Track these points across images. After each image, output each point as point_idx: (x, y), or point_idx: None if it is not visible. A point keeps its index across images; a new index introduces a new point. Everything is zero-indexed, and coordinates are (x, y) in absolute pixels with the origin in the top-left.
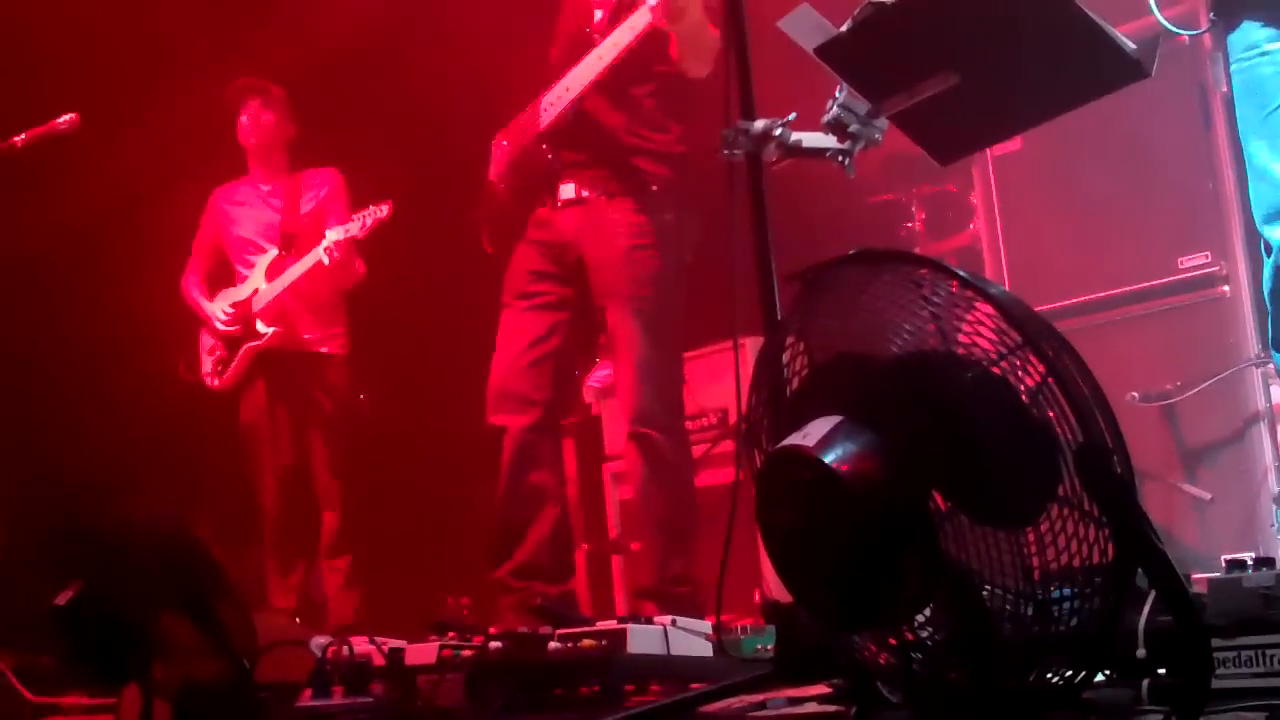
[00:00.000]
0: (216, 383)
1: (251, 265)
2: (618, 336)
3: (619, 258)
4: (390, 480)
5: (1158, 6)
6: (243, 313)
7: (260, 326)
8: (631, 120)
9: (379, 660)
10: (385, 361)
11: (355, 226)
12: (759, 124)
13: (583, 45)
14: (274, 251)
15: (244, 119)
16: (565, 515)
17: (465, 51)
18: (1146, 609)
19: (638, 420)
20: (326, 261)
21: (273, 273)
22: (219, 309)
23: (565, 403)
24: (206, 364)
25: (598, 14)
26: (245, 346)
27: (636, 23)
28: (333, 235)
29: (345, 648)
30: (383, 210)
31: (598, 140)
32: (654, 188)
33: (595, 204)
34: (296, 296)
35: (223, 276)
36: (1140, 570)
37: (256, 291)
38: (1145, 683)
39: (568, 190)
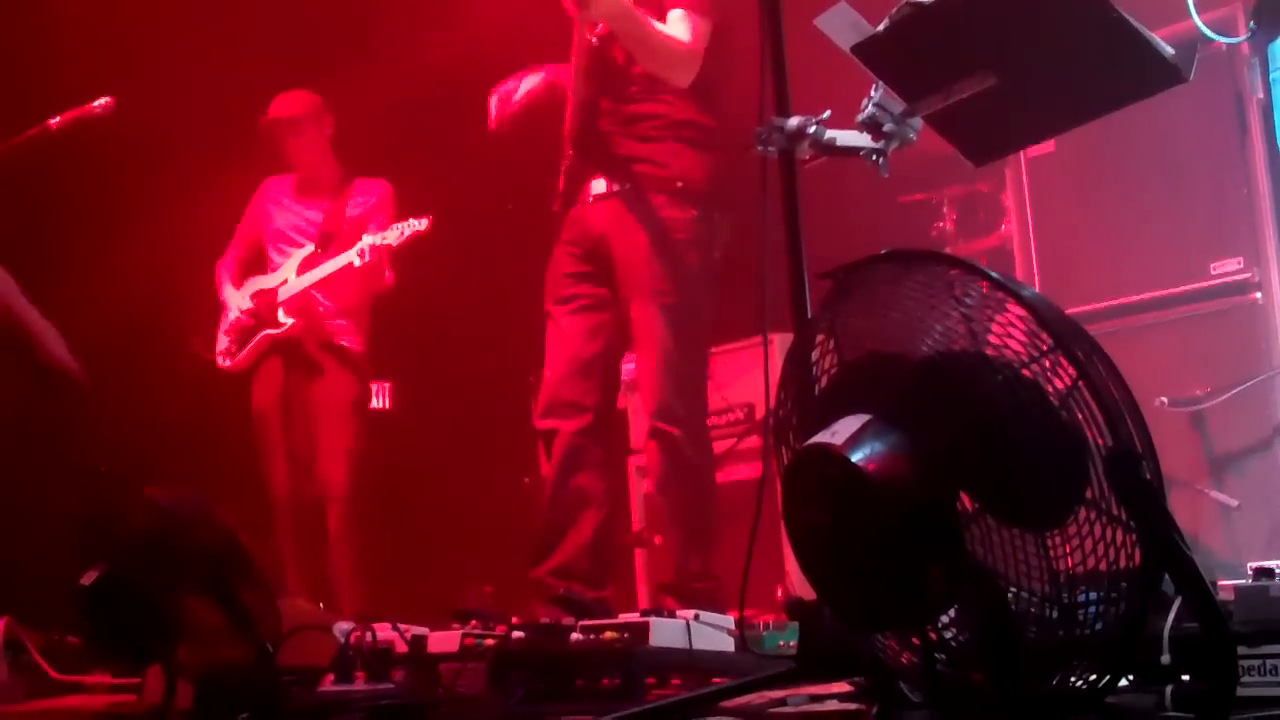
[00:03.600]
0: (228, 363)
1: (286, 256)
2: (641, 331)
3: (645, 253)
4: (407, 471)
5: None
6: (267, 301)
7: (281, 316)
8: (654, 117)
9: (402, 647)
10: (405, 355)
11: (393, 235)
12: (793, 121)
13: (604, 57)
14: (310, 248)
15: (285, 151)
16: (609, 521)
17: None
18: (1172, 615)
19: (658, 416)
20: (358, 263)
21: (304, 267)
22: (242, 296)
23: (612, 407)
24: (221, 343)
25: None
26: (263, 333)
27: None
28: (369, 240)
29: (369, 634)
30: (422, 224)
31: (620, 139)
32: (680, 184)
33: (625, 199)
34: (322, 294)
35: (258, 265)
36: (1166, 576)
37: (285, 282)
38: (1169, 689)
39: (598, 186)
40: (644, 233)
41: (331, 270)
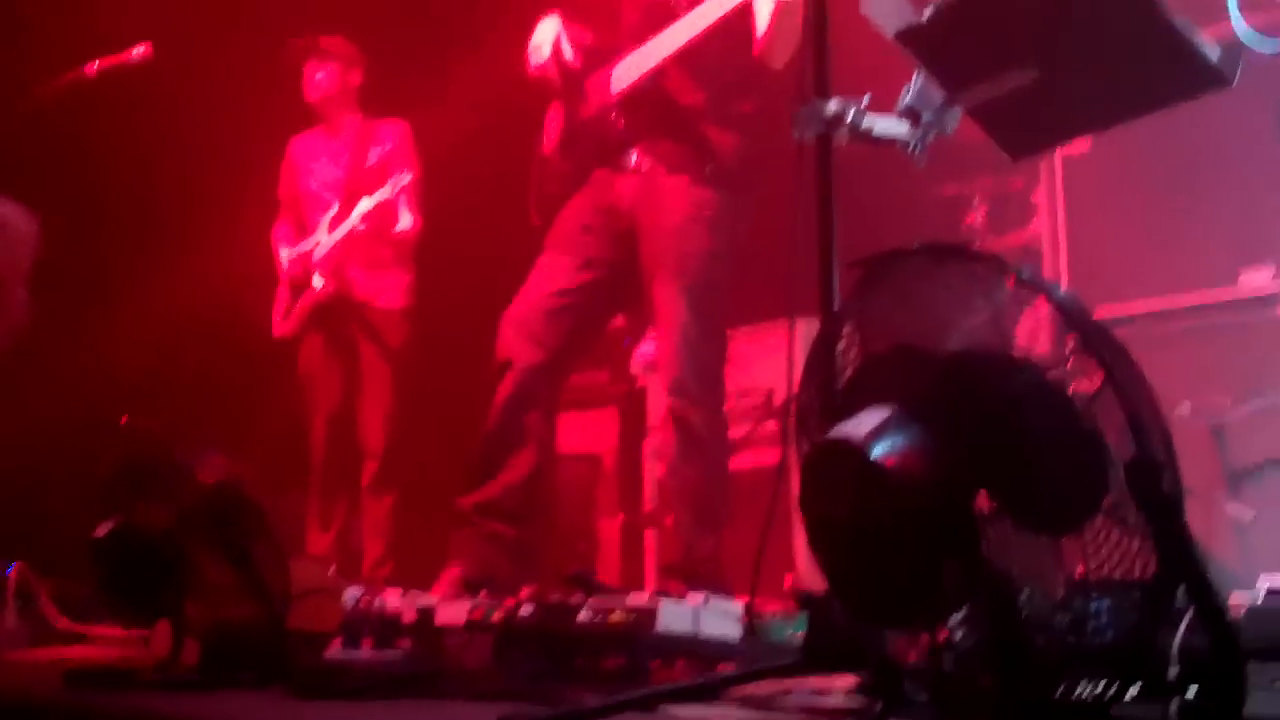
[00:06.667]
0: (279, 330)
1: (321, 216)
2: (662, 308)
3: (671, 230)
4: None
5: (1243, 12)
6: (303, 264)
7: (315, 280)
8: (703, 96)
9: (410, 616)
10: (450, 315)
11: (385, 192)
12: (832, 105)
13: (664, 14)
14: (336, 206)
15: (306, 78)
16: (544, 464)
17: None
18: (1182, 628)
19: (675, 391)
20: (362, 227)
21: (331, 226)
22: (287, 262)
23: (573, 358)
24: (278, 311)
25: None
26: (303, 296)
27: None
28: (363, 205)
29: (377, 600)
30: (405, 178)
31: (667, 113)
32: (709, 168)
33: (654, 174)
34: (352, 251)
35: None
36: (1180, 589)
37: (318, 244)
38: (1175, 702)
39: (631, 158)
40: (671, 212)
41: (344, 232)
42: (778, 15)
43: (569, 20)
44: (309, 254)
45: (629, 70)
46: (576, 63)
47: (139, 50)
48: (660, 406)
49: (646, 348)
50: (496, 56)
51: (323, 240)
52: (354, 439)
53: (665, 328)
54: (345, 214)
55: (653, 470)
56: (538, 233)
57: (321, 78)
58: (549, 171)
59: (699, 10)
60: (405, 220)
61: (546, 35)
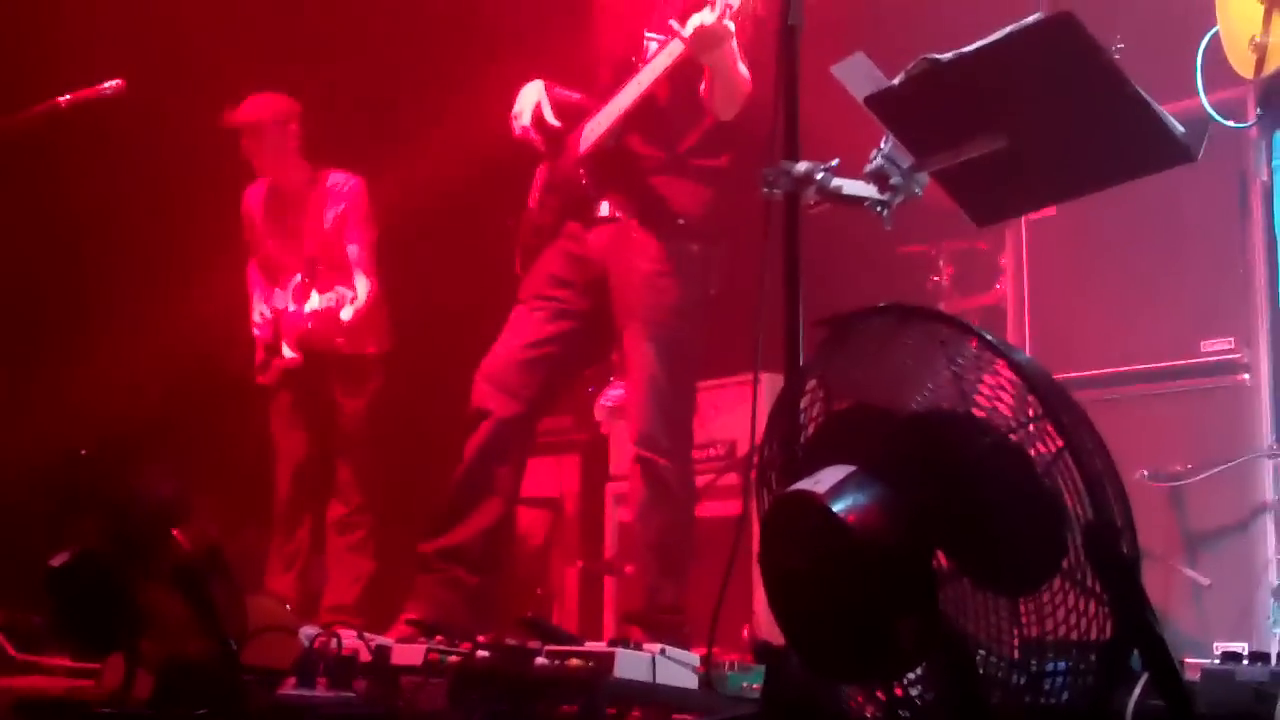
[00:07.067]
0: (258, 379)
1: (286, 279)
2: (632, 358)
3: (641, 281)
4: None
5: (1207, 90)
6: (274, 328)
7: (286, 351)
8: (663, 152)
9: (365, 656)
10: (424, 360)
11: (347, 312)
12: (801, 166)
13: (628, 73)
14: (298, 278)
15: (243, 147)
16: (509, 515)
17: (493, 55)
18: (1137, 691)
19: (643, 443)
20: (346, 316)
21: (298, 296)
22: (258, 313)
23: (546, 409)
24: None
25: (652, 45)
26: (274, 361)
27: (671, 51)
28: (340, 290)
29: (333, 640)
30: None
31: (629, 168)
32: (681, 221)
33: (625, 226)
34: (323, 321)
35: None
36: (1136, 652)
37: (286, 309)
38: None
39: (603, 209)
40: (642, 263)
41: (317, 309)
42: (711, 69)
43: (552, 80)
44: (278, 316)
45: (594, 128)
46: (560, 124)
47: (112, 84)
48: (625, 454)
49: (610, 394)
50: (473, 109)
51: (290, 309)
52: (319, 481)
53: (635, 378)
54: (307, 286)
55: (614, 517)
56: (510, 280)
57: (261, 149)
58: (528, 224)
59: (648, 67)
60: (361, 289)
61: (528, 101)
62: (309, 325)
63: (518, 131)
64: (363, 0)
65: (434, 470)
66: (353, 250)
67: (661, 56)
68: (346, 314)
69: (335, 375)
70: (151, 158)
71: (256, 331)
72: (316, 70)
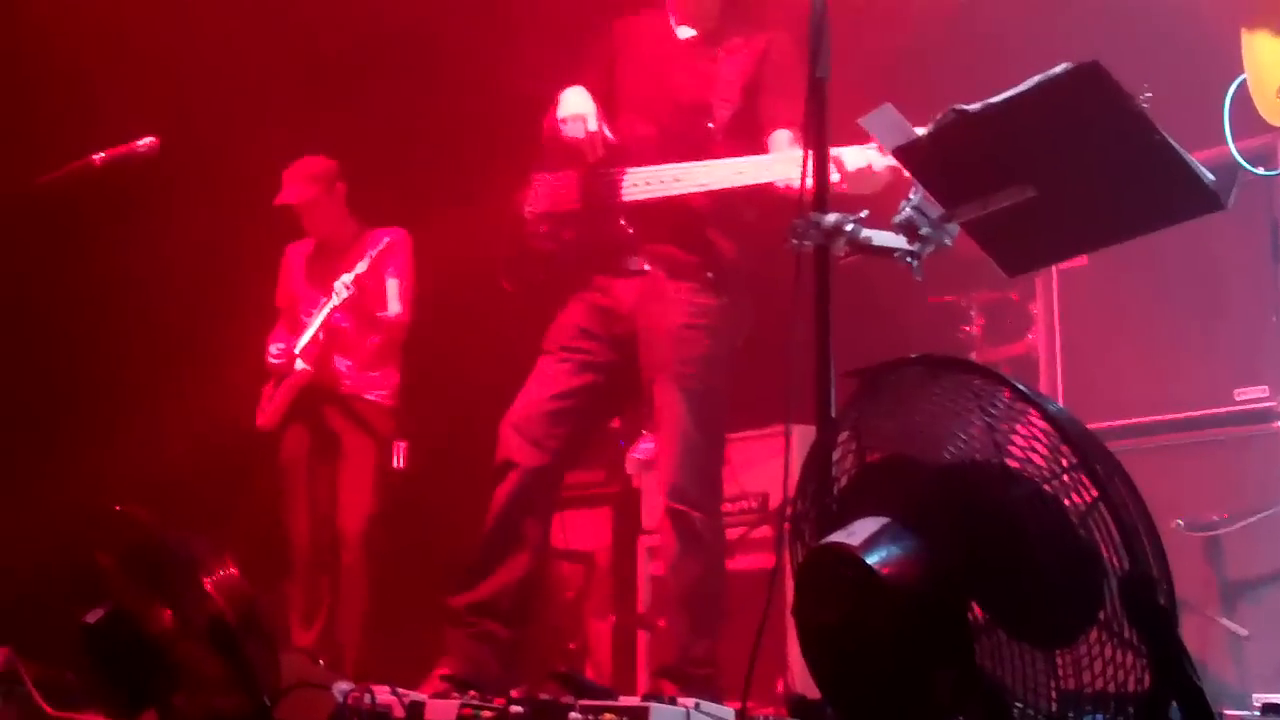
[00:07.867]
0: (262, 420)
1: (311, 315)
2: (663, 412)
3: (671, 334)
4: (424, 528)
5: (1236, 137)
6: (288, 355)
7: (298, 364)
8: (711, 203)
9: (399, 712)
10: (435, 411)
11: (362, 266)
12: (831, 218)
13: (698, 139)
14: (325, 301)
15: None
16: (539, 568)
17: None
18: None
19: (675, 496)
20: (346, 294)
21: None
22: (279, 345)
23: (571, 462)
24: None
25: (722, 110)
26: (285, 382)
27: (795, 159)
28: (345, 278)
29: (367, 695)
30: (384, 241)
31: (677, 220)
32: (710, 274)
33: (655, 279)
34: (338, 344)
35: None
36: (1174, 704)
37: (304, 331)
38: None
39: (633, 262)
40: (671, 315)
41: (327, 311)
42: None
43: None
44: (293, 345)
45: (647, 182)
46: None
47: (146, 141)
48: (657, 507)
49: (642, 448)
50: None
51: (310, 326)
52: (334, 534)
53: (665, 431)
54: (334, 310)
55: (647, 570)
56: (528, 341)
57: (314, 218)
58: (532, 231)
59: (750, 161)
60: (394, 306)
61: (584, 106)
62: (329, 338)
63: (577, 134)
64: (394, 56)
65: (459, 522)
66: (392, 284)
67: (782, 164)
68: (394, 307)
69: (347, 416)
70: (184, 217)
71: (272, 361)
72: (350, 123)
